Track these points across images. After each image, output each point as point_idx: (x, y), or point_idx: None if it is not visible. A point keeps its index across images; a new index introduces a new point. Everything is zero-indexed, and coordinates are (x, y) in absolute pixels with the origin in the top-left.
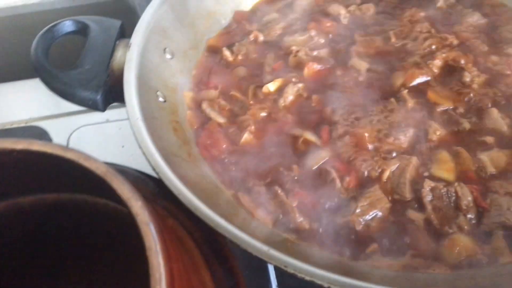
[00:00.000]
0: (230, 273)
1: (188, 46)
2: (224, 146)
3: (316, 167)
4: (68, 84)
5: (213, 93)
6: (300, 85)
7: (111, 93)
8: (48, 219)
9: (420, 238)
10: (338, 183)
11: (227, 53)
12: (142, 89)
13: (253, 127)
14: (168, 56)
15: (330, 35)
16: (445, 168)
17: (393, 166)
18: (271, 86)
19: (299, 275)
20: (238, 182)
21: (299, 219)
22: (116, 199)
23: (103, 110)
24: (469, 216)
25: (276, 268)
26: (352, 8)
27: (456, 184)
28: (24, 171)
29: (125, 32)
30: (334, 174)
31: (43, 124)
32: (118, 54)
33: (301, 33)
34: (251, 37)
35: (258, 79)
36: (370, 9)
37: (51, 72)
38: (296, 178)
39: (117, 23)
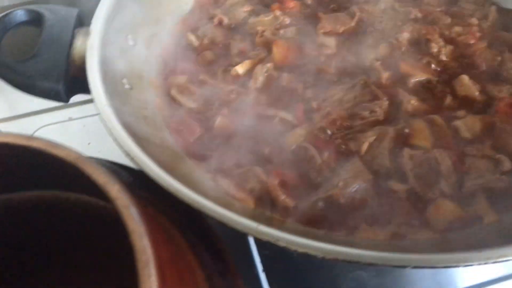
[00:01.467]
0: (218, 257)
1: (150, 32)
2: (198, 131)
3: (294, 145)
4: (27, 75)
5: (181, 78)
6: (269, 64)
7: (74, 84)
8: (19, 219)
9: (404, 206)
10: (318, 158)
11: (191, 37)
12: (106, 77)
13: (226, 111)
14: (131, 42)
15: (295, 14)
16: (421, 136)
17: (371, 138)
18: (239, 69)
19: (292, 247)
20: (216, 166)
21: (282, 197)
22: (90, 190)
23: (67, 101)
24: (450, 180)
25: (261, 252)
26: None
27: (435, 150)
28: None
29: (83, 21)
30: (312, 150)
31: (0, 127)
32: (78, 42)
33: (266, 14)
34: (215, 20)
35: (226, 62)
36: None
37: (6, 63)
38: (275, 158)
39: (73, 11)
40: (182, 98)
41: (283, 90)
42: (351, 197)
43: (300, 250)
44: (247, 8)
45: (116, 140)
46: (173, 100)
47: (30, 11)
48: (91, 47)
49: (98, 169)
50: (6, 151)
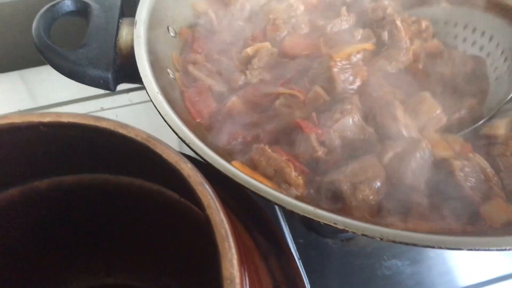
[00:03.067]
0: (271, 239)
1: (188, 23)
2: (214, 106)
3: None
4: (77, 62)
5: (198, 56)
6: (275, 49)
7: (120, 73)
8: (86, 201)
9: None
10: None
11: (212, 15)
12: (153, 66)
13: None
14: (172, 34)
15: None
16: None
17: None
18: (250, 51)
19: (351, 230)
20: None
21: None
22: (156, 176)
23: (114, 89)
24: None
25: (296, 241)
26: None
27: (471, 155)
28: (55, 148)
29: (124, 12)
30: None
31: None
32: (124, 32)
33: (280, 1)
34: (238, 4)
35: (241, 44)
36: None
37: (57, 50)
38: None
39: (117, 1)
40: (200, 74)
41: (288, 70)
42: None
43: (358, 232)
44: None
45: (170, 126)
46: (191, 75)
47: (77, 1)
48: (138, 36)
49: (169, 148)
50: (74, 132)
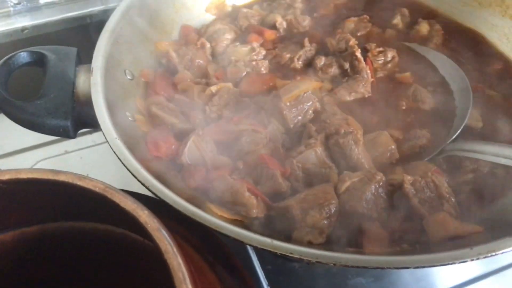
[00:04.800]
0: (234, 273)
1: (144, 66)
2: (173, 142)
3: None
4: (36, 114)
5: (160, 98)
6: (236, 89)
7: (80, 119)
8: (52, 249)
9: None
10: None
11: (173, 54)
12: (111, 111)
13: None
14: (128, 77)
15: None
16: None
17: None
18: (213, 89)
19: (306, 259)
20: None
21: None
22: (117, 221)
23: (74, 136)
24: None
25: (264, 268)
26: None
27: (429, 174)
28: (17, 202)
29: (81, 59)
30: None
31: None
32: (81, 80)
33: (243, 45)
34: (198, 43)
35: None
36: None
37: (14, 103)
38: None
39: (73, 50)
40: (163, 114)
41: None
42: None
43: (313, 260)
44: (229, 35)
45: (130, 171)
46: (153, 117)
47: (33, 53)
48: (95, 83)
49: (126, 197)
50: (34, 187)
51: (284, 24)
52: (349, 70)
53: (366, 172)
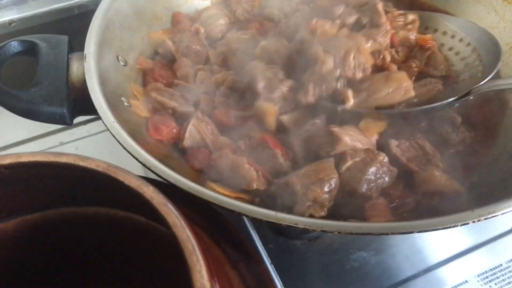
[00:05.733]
0: (240, 249)
1: (137, 52)
2: (174, 126)
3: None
4: (31, 101)
5: (159, 84)
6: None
7: (75, 106)
8: (54, 236)
9: None
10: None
11: (169, 43)
12: (107, 96)
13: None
14: (121, 63)
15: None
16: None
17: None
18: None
19: (310, 228)
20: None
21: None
22: (121, 203)
23: (71, 123)
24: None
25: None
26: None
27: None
28: (18, 188)
29: (72, 47)
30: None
31: None
32: (74, 67)
33: (243, 32)
34: (193, 29)
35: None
36: None
37: (9, 92)
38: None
39: (64, 38)
40: (163, 99)
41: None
42: None
43: (318, 229)
44: (223, 21)
45: (130, 152)
46: (154, 101)
47: (24, 41)
48: (89, 70)
49: (129, 174)
50: (35, 170)
51: (282, 15)
52: (367, 25)
53: (368, 152)
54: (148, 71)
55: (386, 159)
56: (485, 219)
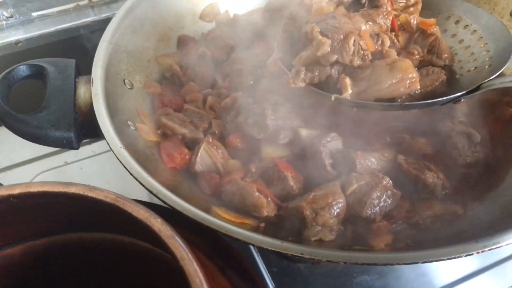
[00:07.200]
0: (246, 277)
1: (143, 75)
2: (186, 152)
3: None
4: (39, 126)
5: (168, 109)
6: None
7: (82, 130)
8: (60, 260)
9: None
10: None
11: (177, 68)
12: (113, 121)
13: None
14: (128, 87)
15: None
16: None
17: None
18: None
19: (316, 258)
20: None
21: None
22: (129, 231)
23: (77, 147)
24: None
25: (269, 270)
26: None
27: None
28: (26, 216)
29: (80, 70)
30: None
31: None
32: (82, 91)
33: (248, 51)
34: (199, 53)
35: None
36: None
37: (17, 117)
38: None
39: (71, 61)
40: (174, 125)
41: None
42: None
43: (324, 259)
44: (228, 42)
45: (137, 179)
46: (164, 128)
47: (32, 65)
48: (96, 94)
49: (137, 206)
50: (44, 199)
51: None
52: (366, 4)
53: (373, 176)
54: (157, 95)
55: (390, 182)
56: (490, 250)
